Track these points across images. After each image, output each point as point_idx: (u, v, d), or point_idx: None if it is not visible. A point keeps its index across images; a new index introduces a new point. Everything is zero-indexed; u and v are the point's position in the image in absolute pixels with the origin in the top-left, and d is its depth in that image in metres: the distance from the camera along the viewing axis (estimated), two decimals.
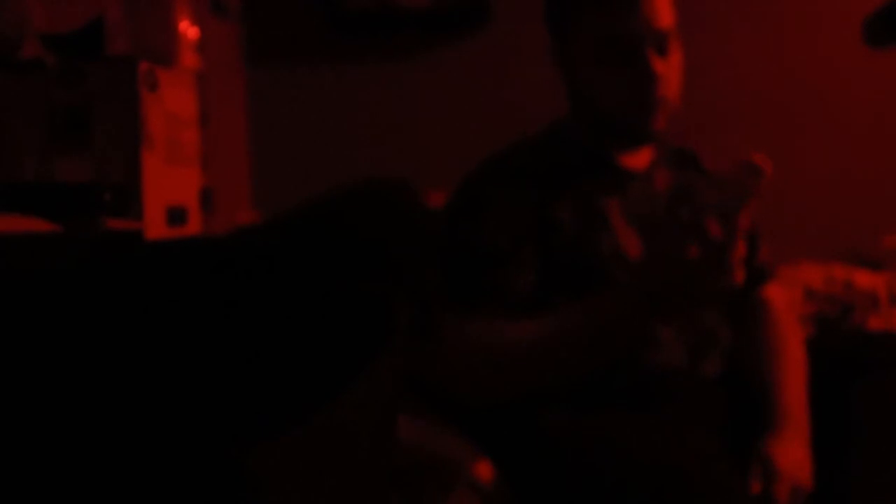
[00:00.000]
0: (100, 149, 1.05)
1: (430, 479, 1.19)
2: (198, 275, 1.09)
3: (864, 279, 1.96)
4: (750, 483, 1.16)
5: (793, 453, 1.19)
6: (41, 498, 0.77)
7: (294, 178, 2.40)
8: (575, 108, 1.33)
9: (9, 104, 1.10)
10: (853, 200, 2.46)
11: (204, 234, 1.23)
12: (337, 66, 2.60)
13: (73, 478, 0.80)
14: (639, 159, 1.33)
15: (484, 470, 1.13)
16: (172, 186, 1.10)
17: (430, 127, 2.55)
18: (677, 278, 1.12)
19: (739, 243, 1.06)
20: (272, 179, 2.59)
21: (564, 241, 1.22)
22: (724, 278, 1.06)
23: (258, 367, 1.06)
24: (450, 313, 1.21)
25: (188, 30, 1.60)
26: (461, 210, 1.29)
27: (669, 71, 1.24)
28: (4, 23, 1.35)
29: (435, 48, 2.57)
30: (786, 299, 1.44)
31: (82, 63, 1.09)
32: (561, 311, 1.16)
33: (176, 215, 1.11)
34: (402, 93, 2.57)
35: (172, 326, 1.03)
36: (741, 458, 1.19)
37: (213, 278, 1.09)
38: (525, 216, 1.22)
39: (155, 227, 1.06)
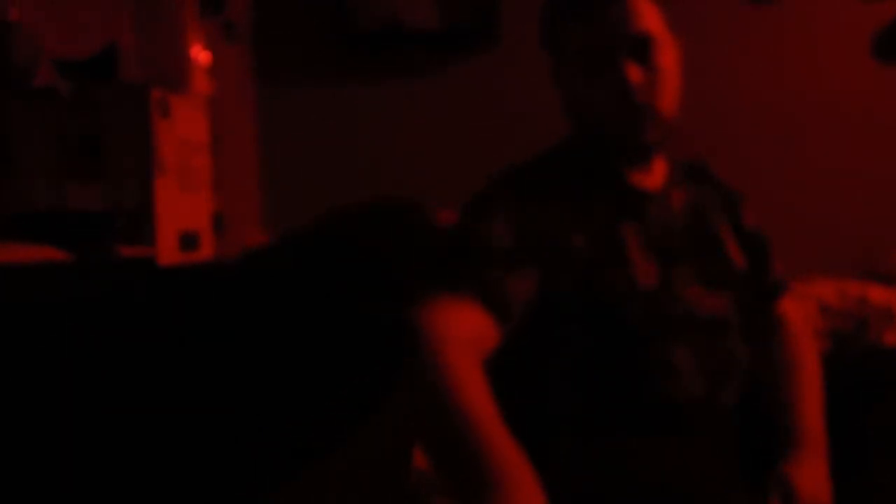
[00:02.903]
0: (112, 176, 1.05)
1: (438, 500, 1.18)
2: (210, 301, 1.09)
3: (879, 294, 1.95)
4: None
5: (812, 475, 1.17)
6: None
7: (306, 199, 2.41)
8: (571, 125, 1.29)
9: (22, 131, 1.11)
10: (865, 215, 2.45)
11: (216, 260, 1.24)
12: (348, 87, 2.61)
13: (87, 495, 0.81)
14: (652, 178, 1.28)
15: None
16: (185, 212, 1.11)
17: (441, 146, 2.56)
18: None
19: None
20: (284, 200, 2.60)
21: (576, 270, 1.16)
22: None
23: (271, 389, 1.06)
24: (427, 298, 1.09)
25: (200, 54, 1.61)
26: (468, 215, 1.21)
27: (653, 78, 1.19)
28: (18, 51, 1.37)
29: (445, 68, 2.58)
30: (801, 314, 1.42)
31: (95, 90, 1.10)
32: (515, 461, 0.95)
33: (188, 241, 1.11)
34: (412, 113, 2.58)
35: (187, 351, 1.04)
36: (758, 481, 1.18)
37: (225, 303, 1.09)
38: (536, 234, 1.16)
39: (167, 253, 1.06)
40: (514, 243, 1.13)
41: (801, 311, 1.43)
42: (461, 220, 1.21)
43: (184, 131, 1.12)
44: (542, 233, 1.17)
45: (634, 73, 1.17)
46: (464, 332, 1.05)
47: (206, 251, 1.16)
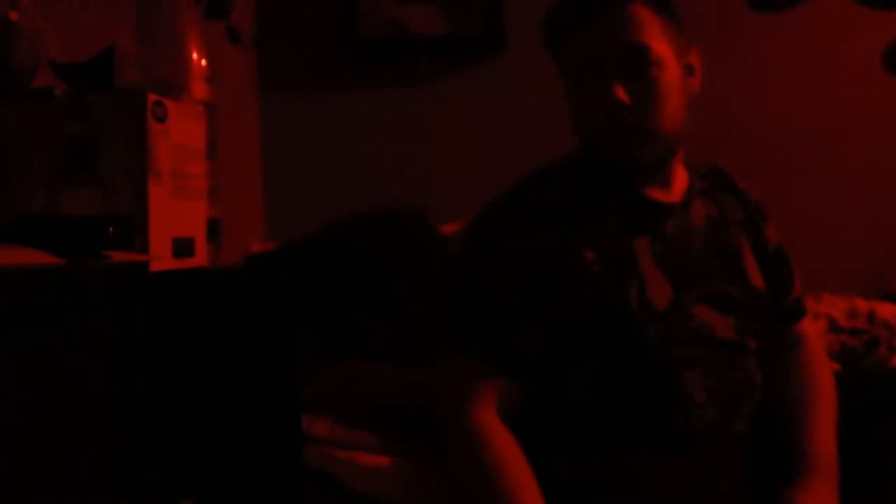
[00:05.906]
0: (106, 181, 1.03)
1: None
2: (203, 308, 1.07)
3: (888, 311, 1.92)
4: None
5: (821, 502, 1.15)
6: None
7: (308, 206, 2.39)
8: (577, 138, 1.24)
9: (18, 135, 1.09)
10: (877, 232, 2.42)
11: (211, 267, 1.22)
12: (352, 94, 2.60)
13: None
14: (671, 190, 1.22)
15: None
16: (179, 218, 1.09)
17: (445, 154, 2.54)
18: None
19: None
20: (286, 207, 2.58)
21: (588, 288, 1.11)
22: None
23: (263, 396, 1.04)
24: (445, 354, 1.14)
25: (200, 60, 1.60)
26: (472, 250, 1.18)
27: (647, 96, 1.11)
28: (18, 53, 1.35)
29: (450, 75, 2.56)
30: (817, 335, 1.39)
31: (90, 94, 1.08)
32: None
33: (182, 247, 1.09)
34: (417, 120, 2.57)
35: (179, 357, 1.02)
36: None
37: (219, 311, 1.07)
38: (542, 261, 1.11)
39: (161, 259, 1.04)
40: (518, 289, 1.11)
41: (817, 332, 1.40)
42: (463, 260, 1.18)
43: (179, 137, 1.10)
44: (551, 251, 1.11)
45: (623, 91, 1.10)
46: (492, 412, 1.09)
47: (200, 258, 1.13)
